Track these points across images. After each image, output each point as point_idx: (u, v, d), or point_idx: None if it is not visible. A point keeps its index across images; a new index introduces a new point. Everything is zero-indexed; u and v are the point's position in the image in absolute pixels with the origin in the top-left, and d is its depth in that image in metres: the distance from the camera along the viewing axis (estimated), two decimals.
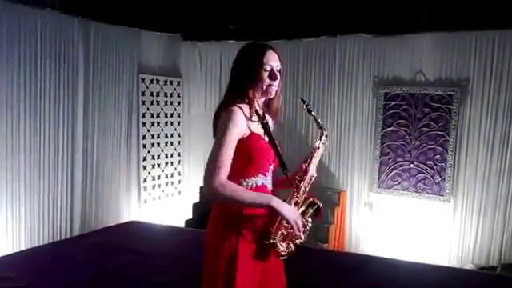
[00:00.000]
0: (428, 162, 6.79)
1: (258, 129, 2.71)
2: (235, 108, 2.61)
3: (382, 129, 7.02)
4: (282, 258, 2.75)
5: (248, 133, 2.63)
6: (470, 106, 6.49)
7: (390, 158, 7.02)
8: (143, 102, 7.53)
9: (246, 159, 2.65)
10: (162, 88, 7.89)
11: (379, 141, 7.05)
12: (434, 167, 6.75)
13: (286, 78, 7.52)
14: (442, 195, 6.72)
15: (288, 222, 2.59)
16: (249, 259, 2.67)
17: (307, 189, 2.83)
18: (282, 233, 2.68)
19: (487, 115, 6.40)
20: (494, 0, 5.75)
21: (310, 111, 2.86)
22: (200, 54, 8.40)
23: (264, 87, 2.69)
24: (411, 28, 6.61)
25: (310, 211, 2.80)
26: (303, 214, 2.77)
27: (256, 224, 2.69)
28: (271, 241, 2.66)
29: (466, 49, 6.45)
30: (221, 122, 2.62)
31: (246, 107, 2.66)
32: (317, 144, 2.88)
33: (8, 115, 5.68)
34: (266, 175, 2.74)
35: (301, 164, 2.87)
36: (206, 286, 2.75)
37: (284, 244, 2.70)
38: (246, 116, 2.63)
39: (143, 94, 7.51)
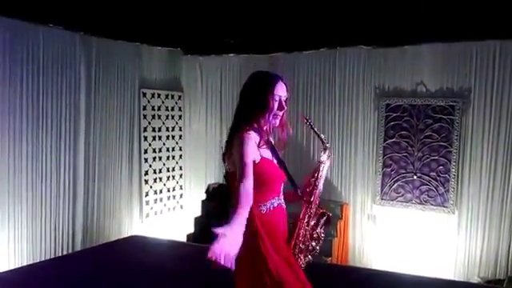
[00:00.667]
0: (431, 174, 6.78)
1: (266, 153, 2.82)
2: (247, 134, 2.71)
3: (384, 140, 7.02)
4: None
5: (259, 158, 2.74)
6: (472, 117, 6.50)
7: (392, 170, 7.01)
8: (144, 116, 7.58)
9: (261, 184, 2.73)
10: (163, 102, 7.93)
11: (381, 152, 7.05)
12: (438, 178, 6.74)
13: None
14: (447, 207, 6.70)
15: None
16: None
17: (317, 201, 2.99)
18: (300, 247, 2.94)
19: (490, 125, 6.40)
20: (494, 11, 5.74)
21: (312, 127, 3.02)
22: (201, 68, 8.45)
23: (271, 116, 2.81)
24: (411, 39, 6.63)
25: (321, 221, 2.97)
26: (316, 225, 2.97)
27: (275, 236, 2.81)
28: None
29: (467, 59, 6.48)
30: (236, 148, 2.72)
31: (254, 134, 2.76)
32: (322, 158, 3.02)
33: (10, 130, 5.76)
34: (279, 196, 2.87)
35: (309, 179, 3.02)
36: None
37: (301, 256, 2.97)
38: (255, 142, 2.74)
39: (144, 108, 7.56)
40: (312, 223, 2.96)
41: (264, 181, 2.75)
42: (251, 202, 2.61)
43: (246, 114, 2.83)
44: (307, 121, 3.04)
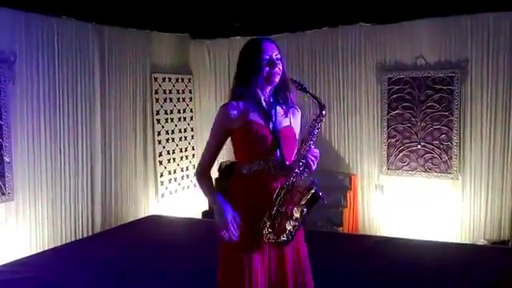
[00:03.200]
0: (434, 142, 6.91)
1: (258, 117, 2.81)
2: (224, 106, 2.84)
3: (388, 112, 7.15)
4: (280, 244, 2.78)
5: (241, 122, 2.78)
6: (470, 86, 6.63)
7: (397, 140, 7.15)
8: (157, 100, 7.74)
9: (243, 147, 2.85)
10: (173, 86, 8.09)
11: (386, 124, 7.19)
12: (441, 146, 6.88)
13: (291, 71, 7.71)
14: (450, 173, 6.84)
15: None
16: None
17: (303, 173, 2.78)
18: (266, 221, 2.75)
19: (488, 93, 6.54)
20: None
21: (304, 89, 2.85)
22: (208, 51, 8.59)
23: (265, 76, 2.77)
24: (409, 15, 6.74)
25: (305, 199, 2.74)
26: (299, 201, 2.75)
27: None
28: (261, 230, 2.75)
29: (463, 32, 6.61)
30: (215, 118, 2.92)
31: (244, 100, 2.81)
32: (314, 120, 2.85)
33: (29, 119, 5.88)
34: (266, 161, 2.78)
35: (299, 148, 2.88)
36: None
37: (270, 233, 2.74)
38: (240, 108, 2.78)
39: (156, 92, 7.72)
40: (295, 199, 2.75)
41: (245, 144, 2.82)
42: (203, 172, 3.00)
43: (239, 82, 2.86)
44: (296, 83, 2.88)
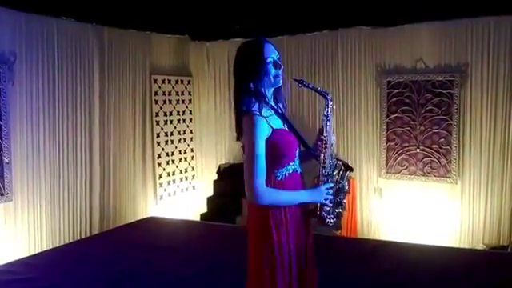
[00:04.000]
0: (433, 146, 6.91)
1: (275, 121, 2.81)
2: (255, 114, 2.71)
3: (387, 116, 7.15)
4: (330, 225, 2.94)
5: (271, 130, 2.73)
6: (470, 90, 6.63)
7: (396, 144, 7.15)
8: (156, 102, 7.74)
9: (275, 154, 2.77)
10: (173, 87, 8.10)
11: (385, 127, 7.18)
12: (440, 150, 6.87)
13: (291, 73, 7.71)
14: (449, 177, 6.84)
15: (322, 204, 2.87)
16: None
17: (332, 155, 2.97)
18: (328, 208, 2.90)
19: (487, 97, 6.53)
20: None
21: (306, 86, 2.95)
22: (208, 53, 8.59)
23: (272, 79, 2.81)
24: (409, 18, 6.75)
25: (344, 174, 2.98)
26: (338, 179, 2.96)
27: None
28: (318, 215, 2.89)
29: (463, 36, 6.60)
30: (246, 130, 2.75)
31: (261, 106, 2.76)
32: (325, 112, 2.97)
33: (28, 119, 5.89)
34: (294, 161, 2.87)
35: (318, 137, 3.02)
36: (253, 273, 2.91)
37: (331, 216, 2.91)
38: (264, 117, 2.73)
39: (156, 93, 7.72)
40: (335, 177, 2.95)
41: (278, 151, 2.77)
42: (278, 190, 2.80)
43: (246, 87, 2.80)
44: (298, 82, 2.97)
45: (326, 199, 2.85)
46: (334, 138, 3.00)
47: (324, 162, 2.92)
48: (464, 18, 6.55)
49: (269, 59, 2.80)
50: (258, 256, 2.84)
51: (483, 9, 6.27)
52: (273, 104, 2.88)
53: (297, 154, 2.91)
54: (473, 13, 6.40)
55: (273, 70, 2.81)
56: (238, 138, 2.87)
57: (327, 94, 2.96)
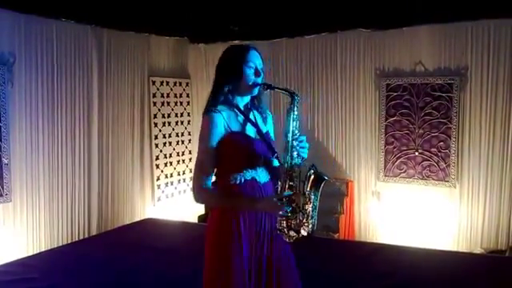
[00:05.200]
0: (432, 149, 6.90)
1: (239, 126, 2.79)
2: (211, 114, 2.71)
3: (386, 119, 7.14)
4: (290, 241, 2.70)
5: (227, 133, 2.72)
6: (470, 93, 6.62)
7: (394, 147, 7.14)
8: (154, 104, 7.74)
9: (230, 157, 2.74)
10: (171, 89, 8.09)
11: (383, 131, 7.17)
12: (439, 154, 6.86)
13: (289, 75, 7.73)
14: (448, 181, 6.83)
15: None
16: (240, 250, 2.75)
17: (295, 162, 2.69)
18: (284, 222, 2.66)
19: (487, 101, 6.52)
20: None
21: (272, 88, 2.80)
22: (206, 55, 8.57)
23: (250, 84, 2.77)
24: (409, 21, 6.73)
25: (309, 185, 2.67)
26: (308, 188, 2.66)
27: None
28: (278, 230, 2.68)
29: (463, 38, 6.59)
30: (201, 129, 2.77)
31: (226, 107, 2.76)
32: (290, 112, 2.74)
33: (27, 121, 5.89)
34: (255, 168, 2.77)
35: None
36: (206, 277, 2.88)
37: (291, 232, 2.65)
38: (223, 116, 2.73)
39: (154, 95, 7.72)
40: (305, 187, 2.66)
41: (232, 154, 2.74)
42: (207, 186, 2.74)
43: (220, 88, 2.78)
44: (266, 86, 2.81)
45: (281, 211, 2.60)
46: (306, 144, 2.73)
47: (284, 169, 2.69)
48: (464, 21, 6.55)
49: (250, 63, 2.77)
50: (210, 258, 2.85)
51: (483, 11, 6.25)
52: (242, 109, 2.83)
53: (261, 164, 2.81)
54: (473, 15, 6.39)
55: (252, 77, 2.77)
56: None
57: (293, 93, 2.75)
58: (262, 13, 6.66)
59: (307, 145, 2.72)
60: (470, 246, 6.74)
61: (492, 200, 6.62)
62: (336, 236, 6.98)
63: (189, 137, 8.54)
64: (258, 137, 2.82)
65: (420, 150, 7.00)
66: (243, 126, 2.81)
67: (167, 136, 8.05)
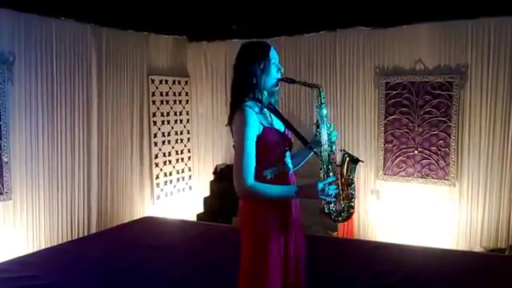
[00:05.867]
0: (432, 148, 6.90)
1: (268, 120, 2.88)
2: (246, 108, 2.78)
3: (385, 117, 7.14)
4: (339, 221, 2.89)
5: (261, 128, 2.80)
6: (470, 92, 6.62)
7: (394, 146, 7.14)
8: (153, 102, 7.75)
9: (265, 152, 2.81)
10: (170, 88, 8.11)
11: (383, 129, 7.18)
12: (438, 152, 6.87)
13: (288, 74, 7.69)
14: (448, 179, 6.83)
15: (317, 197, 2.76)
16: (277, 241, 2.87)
17: (331, 149, 2.86)
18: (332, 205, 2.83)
19: (487, 99, 6.53)
20: None
21: (294, 81, 3.00)
22: (205, 54, 8.57)
23: (274, 80, 2.89)
24: (408, 19, 6.74)
25: (350, 167, 2.84)
26: (346, 171, 2.83)
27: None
28: (324, 214, 2.86)
29: (463, 37, 6.59)
30: (236, 125, 2.82)
31: (253, 103, 2.84)
32: (317, 104, 2.93)
33: (27, 119, 5.92)
34: (284, 161, 2.90)
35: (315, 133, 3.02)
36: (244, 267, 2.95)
37: (340, 213, 2.84)
38: (255, 112, 2.80)
39: (153, 94, 7.73)
40: (343, 171, 2.83)
41: (267, 149, 2.81)
42: (263, 185, 2.80)
43: (246, 86, 2.86)
44: (289, 80, 2.99)
45: (327, 194, 2.71)
46: (335, 132, 2.92)
47: (321, 157, 2.85)
48: (464, 19, 6.55)
49: (273, 60, 2.88)
50: (249, 246, 2.92)
51: (483, 10, 6.26)
52: (265, 103, 2.92)
53: (287, 155, 2.94)
54: (473, 14, 6.39)
55: (275, 73, 2.89)
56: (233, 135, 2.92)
57: (318, 86, 2.92)
58: (260, 11, 6.64)
59: (336, 132, 2.92)
60: (470, 244, 6.74)
61: (492, 198, 6.62)
62: (335, 235, 6.96)
63: (188, 135, 8.56)
64: (286, 130, 2.98)
65: (419, 149, 7.00)
66: (271, 120, 2.92)
67: (166, 134, 8.06)
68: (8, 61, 5.67)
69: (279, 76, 2.92)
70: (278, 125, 2.96)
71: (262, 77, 2.85)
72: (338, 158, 2.99)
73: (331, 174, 2.80)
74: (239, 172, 2.76)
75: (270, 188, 2.80)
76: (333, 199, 2.76)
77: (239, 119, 2.79)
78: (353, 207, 2.84)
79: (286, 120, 2.98)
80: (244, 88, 2.88)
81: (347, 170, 2.83)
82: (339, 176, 2.82)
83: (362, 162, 2.94)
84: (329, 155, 2.83)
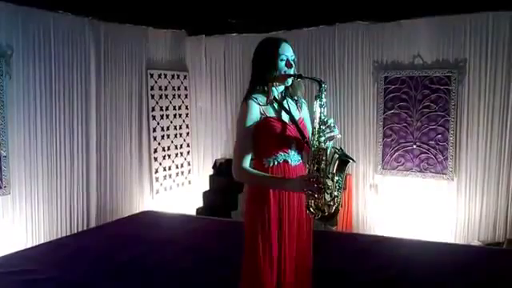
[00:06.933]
0: (430, 142, 6.93)
1: (273, 112, 3.01)
2: (248, 101, 2.95)
3: (384, 112, 7.16)
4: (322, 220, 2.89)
5: (263, 118, 2.96)
6: (468, 86, 6.63)
7: (392, 140, 7.17)
8: (152, 96, 7.74)
9: (264, 140, 2.97)
10: (169, 82, 8.09)
11: (381, 124, 7.20)
12: (437, 147, 6.89)
13: None
14: (446, 174, 6.86)
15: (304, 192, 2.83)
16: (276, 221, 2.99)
17: (323, 146, 2.83)
18: (312, 201, 2.83)
19: (485, 94, 6.54)
20: None
21: (301, 77, 3.04)
22: (204, 48, 8.56)
23: (282, 75, 2.99)
24: (407, 14, 6.74)
25: (334, 167, 2.80)
26: (333, 170, 2.80)
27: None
28: (306, 209, 2.87)
29: (462, 31, 6.60)
30: (238, 115, 3.02)
31: (262, 96, 3.00)
32: (319, 100, 2.91)
33: (25, 113, 5.91)
34: (287, 152, 3.00)
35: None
36: (247, 247, 3.06)
37: (318, 210, 2.81)
38: (260, 104, 2.96)
39: (152, 88, 7.72)
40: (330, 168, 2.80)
41: (267, 138, 2.96)
42: (246, 167, 2.98)
43: (257, 78, 3.03)
44: (297, 76, 3.01)
45: (309, 190, 2.78)
46: (331, 120, 2.88)
47: (311, 152, 2.87)
48: (462, 14, 6.55)
49: (282, 56, 2.98)
50: (250, 226, 3.03)
51: (482, 4, 6.26)
52: (277, 97, 3.06)
53: (293, 147, 3.03)
54: (471, 8, 6.39)
55: (284, 68, 2.98)
56: None
57: (321, 82, 2.95)
58: (259, 5, 6.64)
59: (337, 130, 2.89)
60: (468, 238, 6.77)
61: (489, 192, 6.65)
62: (334, 229, 6.98)
63: (187, 130, 8.55)
64: (291, 123, 3.03)
65: (418, 143, 7.02)
66: (278, 112, 3.04)
67: (165, 129, 8.06)
68: (6, 54, 5.65)
69: (291, 71, 3.00)
70: (286, 118, 3.06)
71: (271, 72, 2.97)
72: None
73: (314, 170, 2.81)
74: (234, 157, 3.04)
75: (260, 175, 2.96)
76: (311, 194, 2.80)
77: (242, 110, 2.98)
78: (331, 207, 2.80)
79: (290, 114, 3.05)
80: (254, 81, 3.06)
81: (336, 169, 2.81)
82: (322, 173, 2.79)
83: (354, 162, 3.05)
84: (317, 151, 2.82)
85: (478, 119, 6.64)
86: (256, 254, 2.95)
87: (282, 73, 2.98)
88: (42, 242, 5.93)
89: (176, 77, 8.25)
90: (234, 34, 8.01)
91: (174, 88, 8.20)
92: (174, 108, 8.24)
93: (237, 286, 3.11)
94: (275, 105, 3.04)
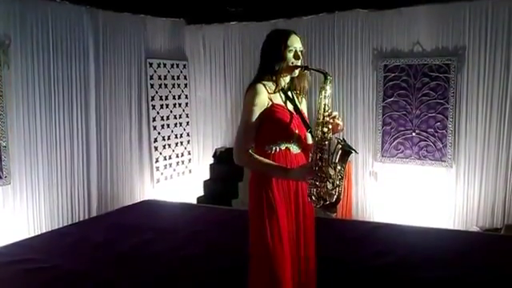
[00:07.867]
0: (429, 130, 6.96)
1: (280, 100, 3.03)
2: (257, 84, 2.98)
3: (383, 100, 7.18)
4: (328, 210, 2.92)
5: (269, 104, 2.97)
6: (467, 74, 6.64)
7: (392, 128, 7.19)
8: (152, 86, 7.74)
9: (269, 127, 2.98)
10: (169, 71, 8.09)
11: (381, 111, 7.22)
12: (436, 134, 6.92)
13: None
14: (445, 161, 6.89)
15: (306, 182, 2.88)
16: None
17: (327, 136, 2.84)
18: (314, 190, 2.85)
19: (484, 82, 6.55)
20: None
21: (308, 68, 3.09)
22: (204, 37, 8.55)
23: (290, 66, 3.00)
24: (406, 1, 6.74)
25: (337, 157, 2.84)
26: (335, 160, 2.83)
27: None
28: (308, 197, 2.89)
29: (461, 19, 6.60)
30: (245, 99, 3.02)
31: (270, 83, 3.01)
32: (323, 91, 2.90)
33: (24, 103, 5.91)
34: (289, 140, 3.01)
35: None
36: (253, 229, 3.07)
37: (320, 199, 2.83)
38: (268, 90, 2.98)
39: (151, 77, 7.72)
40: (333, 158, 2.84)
41: (271, 124, 2.96)
42: (248, 153, 3.00)
43: (265, 67, 3.04)
44: (303, 67, 3.06)
45: (310, 179, 2.82)
46: (335, 113, 2.90)
47: (315, 142, 2.89)
48: (462, 1, 6.55)
49: (291, 48, 3.00)
50: (255, 212, 3.03)
51: None
52: (284, 87, 3.08)
53: (295, 136, 3.04)
54: None
55: (291, 59, 3.00)
56: None
57: (327, 74, 2.95)
58: None
59: (341, 122, 2.94)
60: (466, 224, 6.82)
61: (488, 179, 6.69)
62: (333, 216, 6.99)
63: (187, 119, 8.56)
64: (295, 112, 3.06)
65: (417, 131, 7.04)
66: (284, 101, 3.06)
67: (165, 118, 8.07)
68: (4, 44, 5.64)
69: (298, 63, 3.03)
70: (291, 107, 3.10)
71: (279, 63, 2.98)
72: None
73: (317, 160, 2.83)
74: (237, 140, 3.07)
75: (261, 161, 2.98)
76: (313, 183, 2.84)
77: (249, 93, 2.99)
78: (333, 195, 2.82)
79: (295, 104, 3.09)
80: (263, 71, 3.06)
81: (338, 159, 2.85)
82: (324, 162, 2.82)
83: (356, 153, 3.15)
84: (320, 141, 2.83)
85: (476, 107, 6.65)
86: (264, 234, 2.94)
87: (290, 64, 3.00)
88: (44, 231, 5.95)
89: (175, 66, 8.25)
90: (234, 23, 8.00)
91: (173, 77, 8.20)
92: (174, 97, 8.24)
93: (238, 273, 3.11)
94: (282, 94, 3.06)
